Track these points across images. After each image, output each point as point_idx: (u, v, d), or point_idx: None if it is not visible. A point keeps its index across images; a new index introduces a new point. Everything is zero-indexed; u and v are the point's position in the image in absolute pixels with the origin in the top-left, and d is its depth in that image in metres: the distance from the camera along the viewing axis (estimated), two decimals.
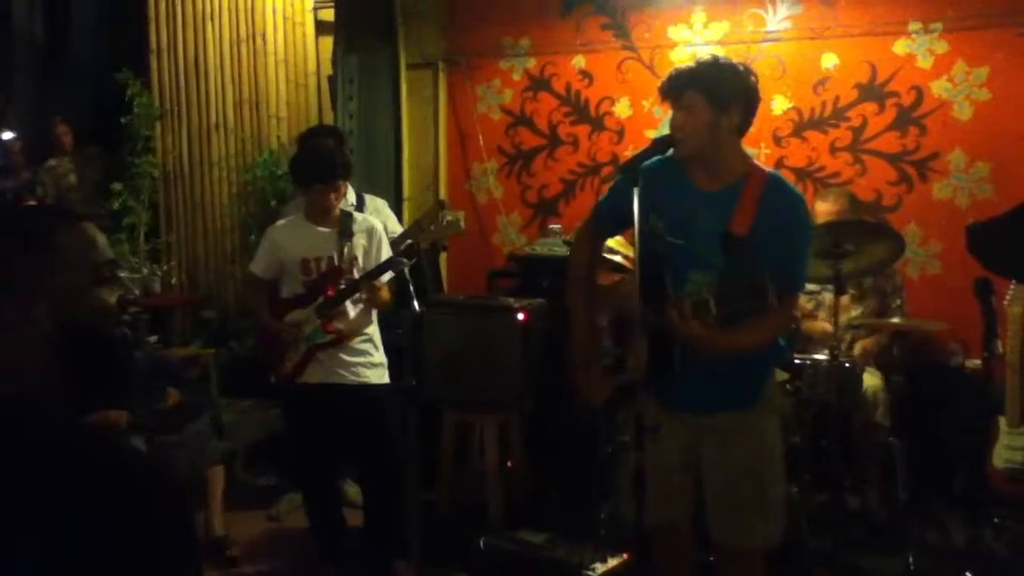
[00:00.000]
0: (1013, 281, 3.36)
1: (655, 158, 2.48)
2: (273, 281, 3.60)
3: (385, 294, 3.50)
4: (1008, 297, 3.39)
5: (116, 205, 6.12)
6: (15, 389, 1.17)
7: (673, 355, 2.37)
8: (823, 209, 3.97)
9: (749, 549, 2.58)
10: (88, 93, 7.29)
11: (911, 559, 3.47)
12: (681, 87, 2.42)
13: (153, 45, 6.29)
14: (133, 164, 6.18)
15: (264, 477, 4.66)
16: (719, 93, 2.39)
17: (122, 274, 5.15)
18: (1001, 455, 3.35)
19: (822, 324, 3.68)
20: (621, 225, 2.88)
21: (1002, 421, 3.38)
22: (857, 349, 3.86)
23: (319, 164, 3.47)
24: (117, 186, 6.15)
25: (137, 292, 5.41)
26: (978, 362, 3.62)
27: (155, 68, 6.30)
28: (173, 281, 6.09)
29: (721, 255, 2.39)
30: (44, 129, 6.82)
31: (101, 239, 3.38)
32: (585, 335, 2.70)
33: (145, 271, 5.74)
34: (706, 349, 2.30)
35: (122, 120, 6.15)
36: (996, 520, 3.37)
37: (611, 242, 3.71)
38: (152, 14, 6.25)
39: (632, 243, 2.34)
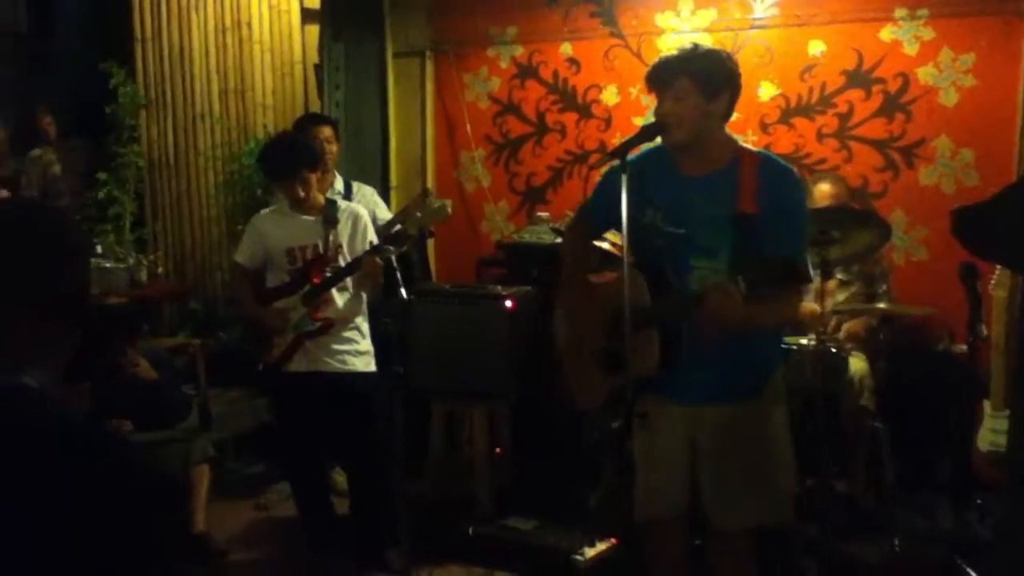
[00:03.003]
0: (998, 265, 3.38)
1: (642, 149, 2.47)
2: (259, 270, 3.58)
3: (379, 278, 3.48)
4: (993, 281, 3.41)
5: (101, 195, 6.09)
6: (24, 383, 1.17)
7: (681, 346, 2.34)
8: (825, 191, 3.95)
9: (744, 531, 2.57)
10: (72, 83, 7.23)
11: (897, 543, 3.50)
12: (672, 74, 2.42)
13: (138, 34, 6.26)
14: (118, 154, 6.16)
15: (253, 466, 4.65)
16: (709, 80, 2.40)
17: (107, 264, 5.12)
18: (986, 438, 3.37)
19: (810, 306, 3.71)
20: (610, 223, 2.82)
21: (987, 405, 3.40)
22: (843, 331, 3.87)
23: (276, 159, 3.45)
24: (102, 176, 6.12)
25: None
26: (963, 346, 3.63)
27: (139, 57, 6.28)
28: (159, 271, 6.05)
29: (723, 239, 2.38)
30: (28, 119, 6.77)
31: None
32: (578, 339, 2.68)
33: (131, 261, 5.69)
34: (733, 331, 2.27)
35: (106, 110, 6.11)
36: (980, 503, 3.39)
37: None
38: (136, 3, 6.22)
39: (620, 231, 2.33)
